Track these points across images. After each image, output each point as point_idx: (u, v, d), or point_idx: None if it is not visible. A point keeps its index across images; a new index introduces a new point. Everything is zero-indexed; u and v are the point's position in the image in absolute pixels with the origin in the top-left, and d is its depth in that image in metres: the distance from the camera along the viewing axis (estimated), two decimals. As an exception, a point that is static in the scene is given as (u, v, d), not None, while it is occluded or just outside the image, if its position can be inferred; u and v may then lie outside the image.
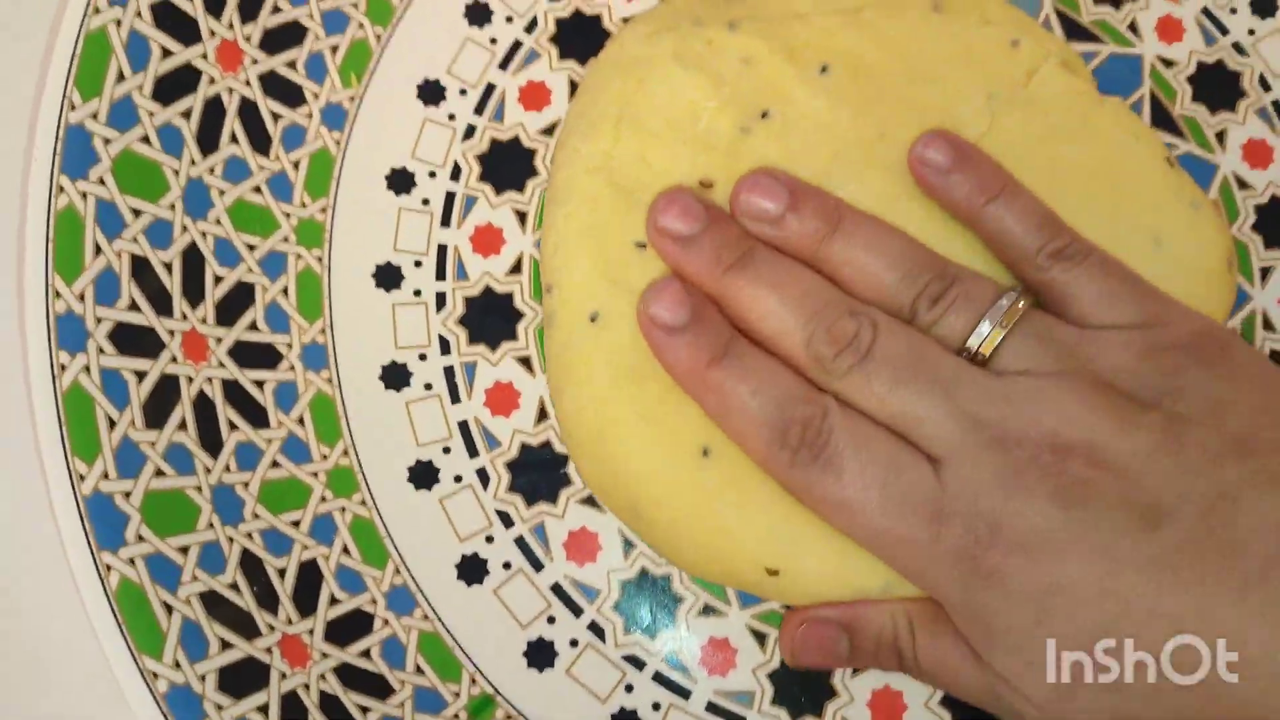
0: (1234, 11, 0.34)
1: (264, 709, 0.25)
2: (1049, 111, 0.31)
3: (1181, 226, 0.30)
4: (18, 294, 0.25)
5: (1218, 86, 0.34)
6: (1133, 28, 0.34)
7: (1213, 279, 0.30)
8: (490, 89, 0.33)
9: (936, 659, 0.25)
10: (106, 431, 0.25)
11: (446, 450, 0.30)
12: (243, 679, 0.25)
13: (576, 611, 0.29)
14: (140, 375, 0.26)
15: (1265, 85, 0.33)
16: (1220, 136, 0.33)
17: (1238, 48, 0.34)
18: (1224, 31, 0.34)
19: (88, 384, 0.25)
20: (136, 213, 0.27)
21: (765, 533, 0.28)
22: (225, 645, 0.25)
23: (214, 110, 0.29)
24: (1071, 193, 0.30)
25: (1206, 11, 0.34)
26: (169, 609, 0.24)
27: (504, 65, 0.33)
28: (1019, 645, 0.23)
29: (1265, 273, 0.32)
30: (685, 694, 0.29)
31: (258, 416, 0.29)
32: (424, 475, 0.30)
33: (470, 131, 0.32)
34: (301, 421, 0.29)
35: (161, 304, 0.27)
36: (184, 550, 0.25)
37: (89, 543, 0.24)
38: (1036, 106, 0.31)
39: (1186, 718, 0.23)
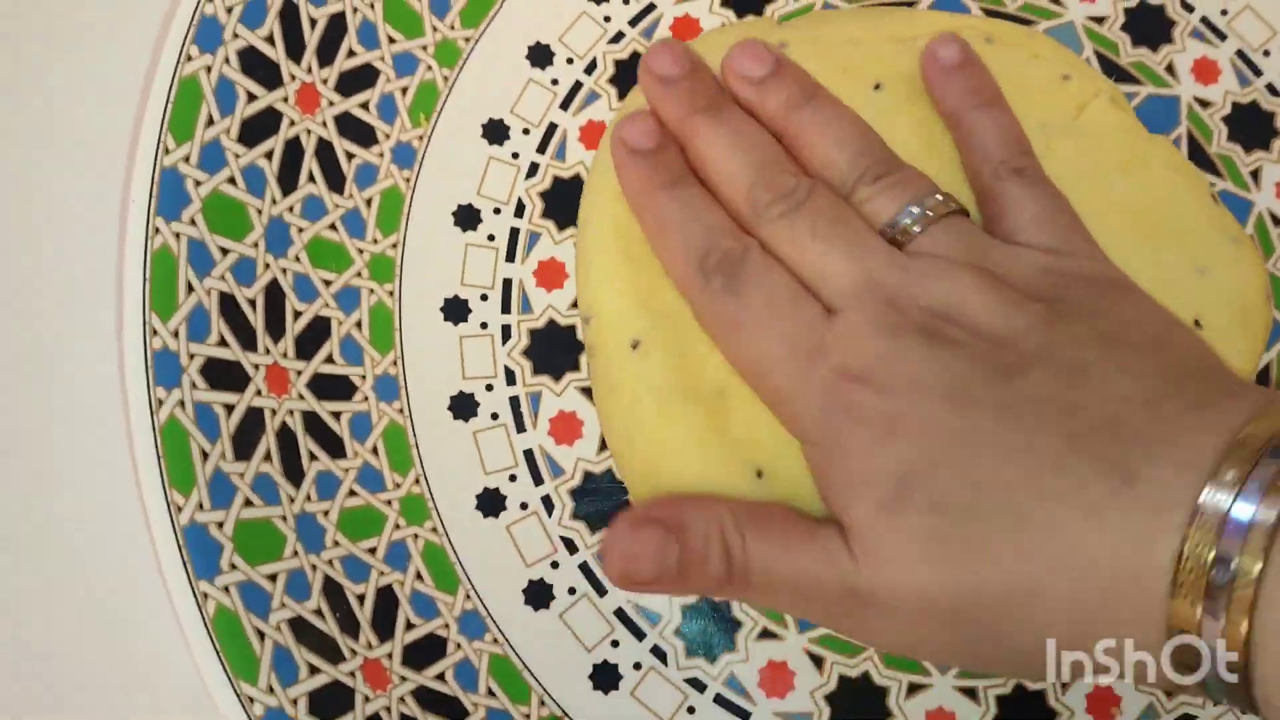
0: (1267, 54, 0.35)
1: (229, 408, 0.26)
2: (1100, 144, 0.32)
3: (1224, 259, 0.31)
4: (117, 333, 0.26)
5: (1252, 126, 0.35)
6: (1170, 69, 0.35)
7: (1251, 310, 0.31)
8: (552, 128, 0.34)
9: (765, 551, 0.25)
10: (200, 464, 0.26)
11: (513, 478, 0.31)
12: (330, 702, 0.26)
13: (639, 635, 0.30)
14: (229, 408, 0.27)
15: (1299, 127, 0.35)
16: (1255, 175, 0.34)
17: (1271, 89, 0.35)
18: (1258, 73, 0.35)
19: (183, 418, 0.26)
20: (224, 251, 0.28)
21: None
22: (313, 670, 0.26)
23: (293, 151, 0.31)
24: (1121, 221, 0.31)
25: (1241, 54, 0.35)
26: (261, 635, 0.25)
27: (565, 106, 0.34)
28: (856, 470, 0.24)
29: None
30: (745, 715, 0.30)
31: (335, 447, 0.30)
32: (491, 503, 0.31)
33: (534, 170, 0.33)
34: (376, 451, 0.30)
35: (247, 339, 0.29)
36: (273, 578, 0.27)
37: (187, 572, 0.25)
38: (1088, 138, 0.32)
39: (997, 554, 0.23)
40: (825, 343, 0.25)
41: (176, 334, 0.27)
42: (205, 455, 0.26)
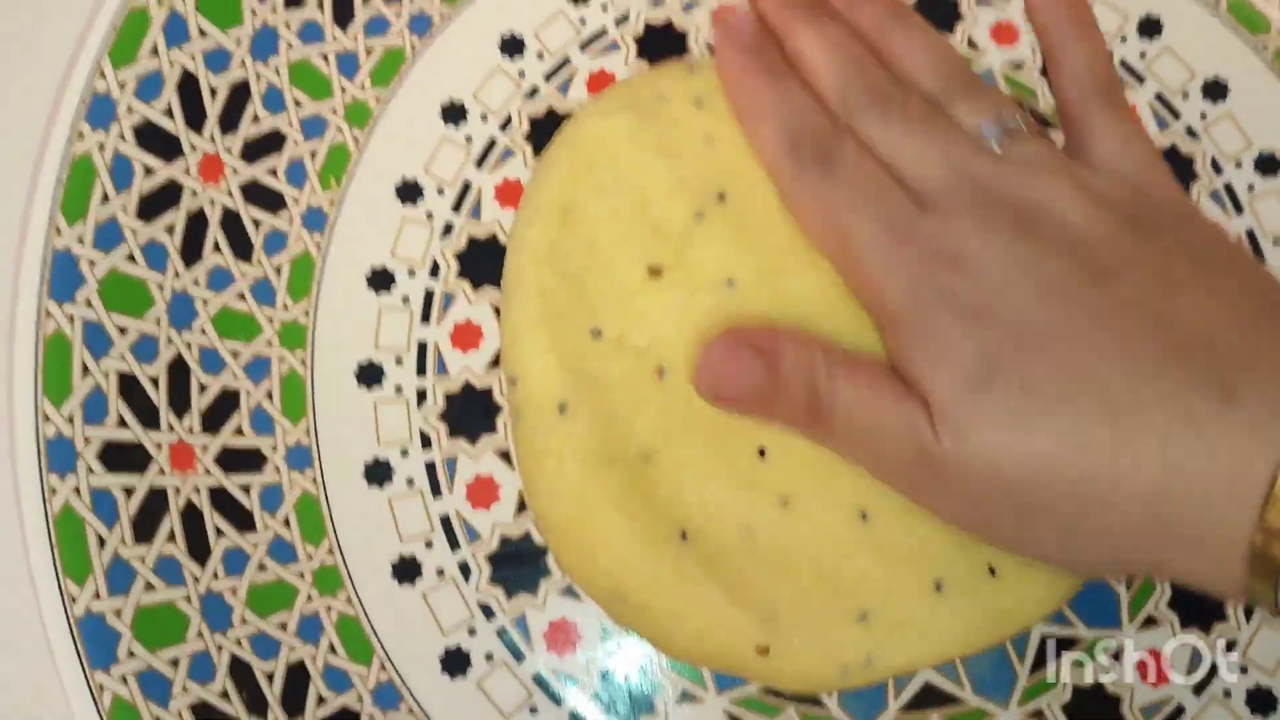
0: (1185, 96, 0.35)
1: (128, 491, 0.26)
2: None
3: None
4: (9, 420, 0.26)
5: (1173, 169, 0.34)
6: None
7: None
8: (467, 187, 0.34)
9: (852, 397, 0.26)
10: (97, 551, 0.26)
11: (429, 545, 0.31)
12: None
13: (557, 701, 0.30)
14: (129, 491, 0.27)
15: (1217, 168, 0.34)
16: None
17: (1190, 131, 0.35)
18: (1176, 116, 0.35)
19: (78, 505, 0.26)
20: (122, 330, 0.28)
21: (754, 610, 0.29)
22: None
23: (197, 222, 0.30)
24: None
25: (1160, 97, 0.35)
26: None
27: (480, 164, 0.34)
28: (944, 348, 0.25)
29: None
30: (665, 780, 0.30)
31: (244, 521, 0.29)
32: (407, 570, 0.31)
33: (448, 229, 0.33)
34: (287, 523, 0.30)
35: (148, 418, 0.28)
36: (174, 663, 0.26)
37: (82, 664, 0.25)
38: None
39: (1085, 440, 0.23)
40: (918, 227, 0.26)
41: (71, 419, 0.27)
42: (102, 542, 0.26)
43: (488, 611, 0.31)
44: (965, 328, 0.25)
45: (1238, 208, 0.34)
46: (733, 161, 0.31)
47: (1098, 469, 0.24)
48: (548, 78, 0.35)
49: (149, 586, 0.27)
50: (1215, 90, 0.35)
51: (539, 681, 0.30)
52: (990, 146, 0.28)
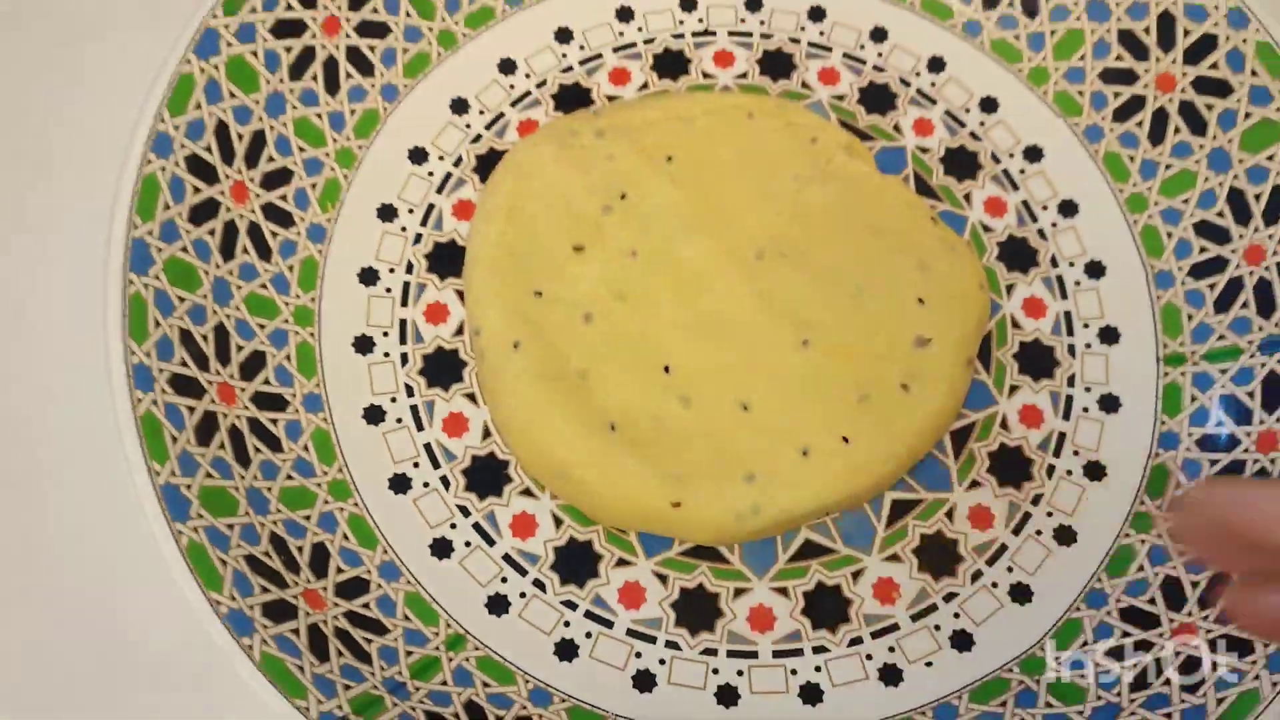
0: (968, 110, 0.47)
1: (295, 632, 0.34)
2: (844, 186, 0.43)
3: (942, 259, 0.42)
4: (105, 353, 0.35)
5: (961, 163, 0.46)
6: (897, 128, 0.47)
7: (969, 296, 0.42)
8: (431, 207, 0.44)
9: None
10: (171, 445, 0.35)
11: (416, 465, 0.40)
12: (278, 613, 0.34)
13: (522, 572, 0.39)
14: (191, 409, 0.36)
15: (995, 159, 0.46)
16: (968, 198, 0.46)
17: (973, 135, 0.47)
18: (962, 125, 0.47)
19: (156, 412, 0.35)
20: (180, 299, 0.38)
21: (667, 476, 0.38)
22: (264, 589, 0.34)
23: (230, 230, 0.40)
24: (864, 238, 0.42)
25: (949, 113, 0.47)
26: (224, 563, 0.34)
27: (440, 190, 0.44)
28: None
29: (1009, 288, 0.44)
30: (609, 624, 0.38)
31: (274, 444, 0.39)
32: (400, 484, 0.40)
33: (418, 238, 0.44)
34: (306, 449, 0.39)
35: (201, 363, 0.38)
36: (230, 527, 0.35)
37: (165, 517, 0.33)
38: (835, 183, 0.43)
39: None
40: None
41: (149, 354, 0.36)
42: (174, 439, 0.35)
43: (464, 510, 0.40)
44: None
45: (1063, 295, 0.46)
46: (628, 172, 0.43)
47: None
48: (487, 126, 0.46)
49: (208, 475, 0.35)
50: (988, 105, 0.47)
51: (507, 559, 0.39)
52: None
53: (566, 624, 0.38)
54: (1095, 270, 0.45)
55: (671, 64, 0.47)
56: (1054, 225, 0.45)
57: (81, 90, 0.46)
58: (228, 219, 0.40)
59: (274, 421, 0.39)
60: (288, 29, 0.43)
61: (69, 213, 0.44)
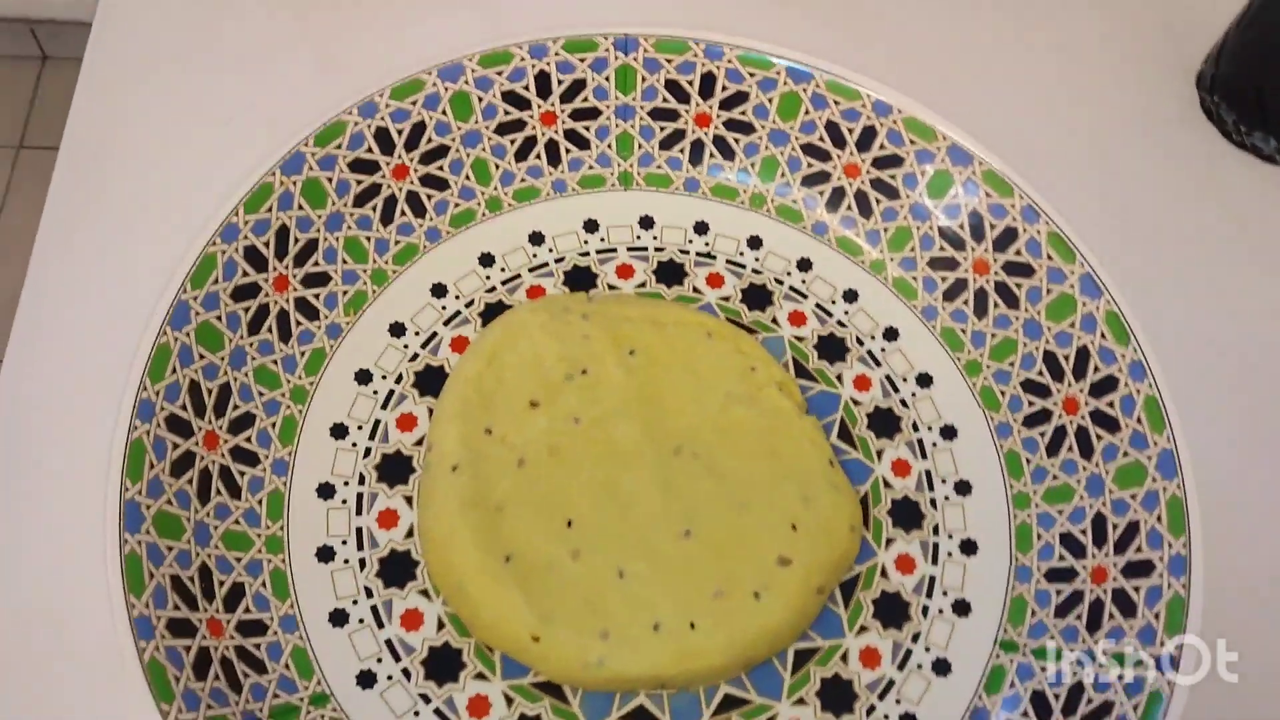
0: (834, 301, 0.54)
1: (187, 649, 0.41)
2: (764, 414, 0.50)
3: (823, 496, 0.49)
4: (124, 385, 0.44)
5: (832, 348, 0.54)
6: (775, 321, 0.54)
7: (837, 534, 0.48)
8: (377, 423, 0.51)
9: None
10: (147, 471, 0.43)
11: (344, 542, 0.48)
12: (180, 630, 0.41)
13: (396, 658, 0.45)
14: (175, 446, 0.45)
15: (859, 341, 0.53)
16: (839, 377, 0.53)
17: (840, 323, 0.54)
18: (830, 315, 0.54)
19: (145, 440, 0.43)
20: (201, 356, 0.47)
21: (538, 613, 0.45)
22: (175, 606, 0.42)
23: (262, 311, 0.49)
24: (765, 462, 0.49)
25: (818, 305, 0.55)
26: (151, 575, 0.41)
27: (385, 406, 0.52)
28: None
29: (889, 542, 0.50)
30: (452, 723, 0.45)
31: (235, 492, 0.46)
32: (326, 554, 0.47)
33: (367, 452, 0.50)
34: (261, 503, 0.47)
35: (199, 411, 0.46)
36: (170, 548, 0.43)
37: (119, 525, 0.41)
38: (757, 408, 0.50)
39: None
40: None
41: (157, 394, 0.44)
42: (152, 466, 0.43)
43: (369, 592, 0.47)
44: None
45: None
46: (596, 353, 0.51)
47: None
48: (423, 346, 0.54)
49: (168, 502, 0.44)
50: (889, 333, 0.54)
51: (388, 644, 0.46)
52: None
53: (416, 714, 0.45)
54: (948, 432, 0.53)
55: (580, 278, 0.55)
56: (913, 395, 0.53)
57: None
58: (263, 301, 0.49)
59: (241, 474, 0.47)
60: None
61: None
